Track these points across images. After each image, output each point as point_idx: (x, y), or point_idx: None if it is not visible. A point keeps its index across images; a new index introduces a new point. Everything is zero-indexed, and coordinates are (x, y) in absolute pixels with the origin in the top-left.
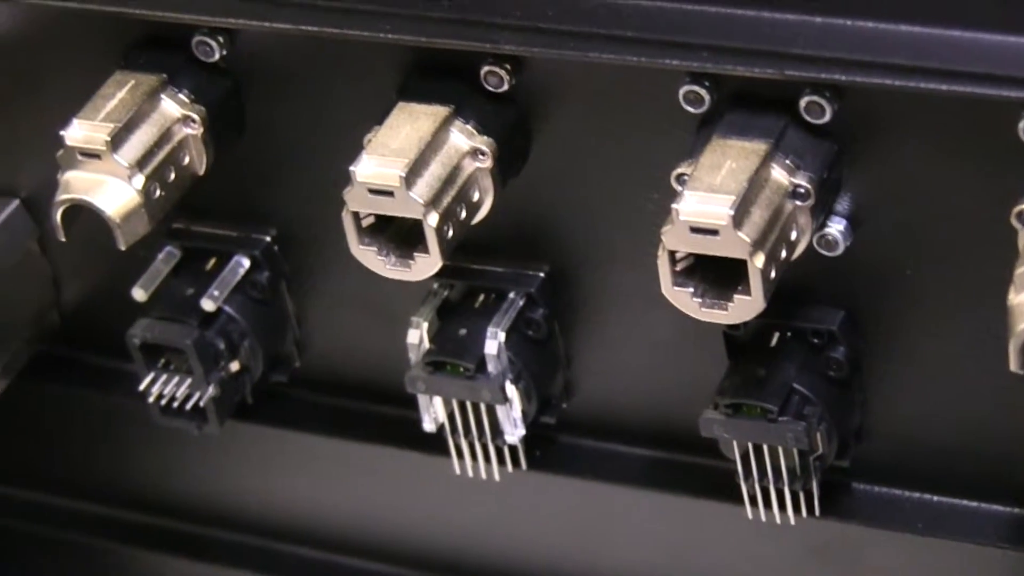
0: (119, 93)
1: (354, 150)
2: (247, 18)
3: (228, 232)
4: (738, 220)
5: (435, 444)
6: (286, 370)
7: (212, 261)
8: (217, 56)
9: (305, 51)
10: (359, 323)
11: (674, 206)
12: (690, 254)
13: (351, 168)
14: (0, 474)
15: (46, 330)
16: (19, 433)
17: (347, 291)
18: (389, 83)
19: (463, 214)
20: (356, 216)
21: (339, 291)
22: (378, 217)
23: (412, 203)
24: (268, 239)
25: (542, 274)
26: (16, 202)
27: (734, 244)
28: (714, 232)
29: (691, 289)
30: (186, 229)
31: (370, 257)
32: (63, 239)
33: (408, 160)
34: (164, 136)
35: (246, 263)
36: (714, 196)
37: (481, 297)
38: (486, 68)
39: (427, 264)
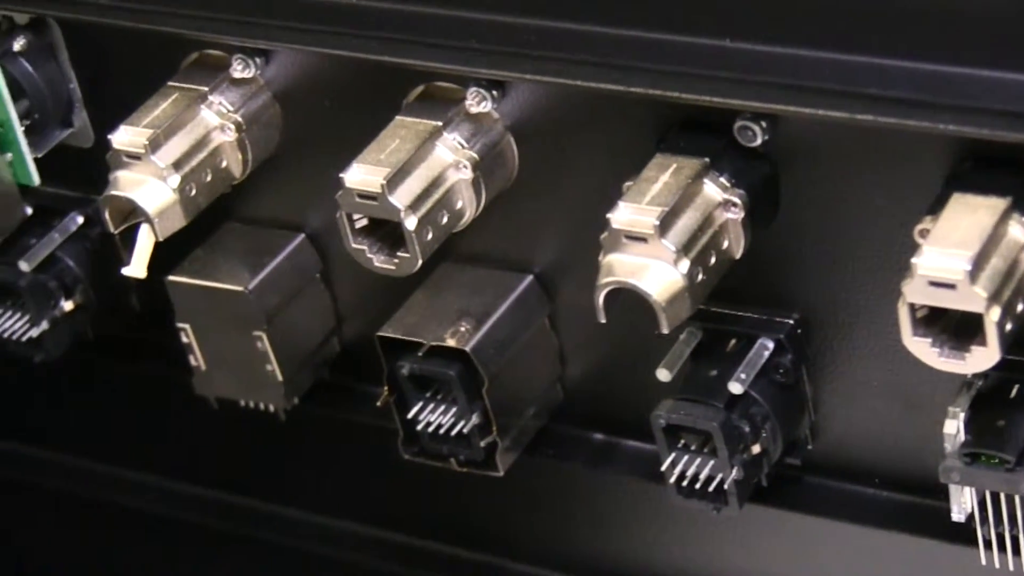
0: (663, 176)
1: (888, 238)
2: (799, 106)
3: (751, 314)
4: None
5: (959, 534)
6: (799, 453)
7: (732, 343)
8: (759, 141)
9: (849, 138)
10: (877, 408)
11: None
12: None
13: (913, 260)
14: (496, 545)
15: (551, 406)
16: (519, 506)
17: (869, 377)
18: (935, 171)
19: (1020, 307)
20: (912, 307)
21: (861, 376)
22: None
23: (975, 297)
24: (792, 322)
25: None
26: (530, 278)
27: None
28: None
29: None
30: (706, 310)
31: (923, 349)
32: (603, 321)
33: (971, 254)
34: (707, 220)
35: (770, 346)
36: None
37: (1016, 388)
38: None
39: (984, 357)
